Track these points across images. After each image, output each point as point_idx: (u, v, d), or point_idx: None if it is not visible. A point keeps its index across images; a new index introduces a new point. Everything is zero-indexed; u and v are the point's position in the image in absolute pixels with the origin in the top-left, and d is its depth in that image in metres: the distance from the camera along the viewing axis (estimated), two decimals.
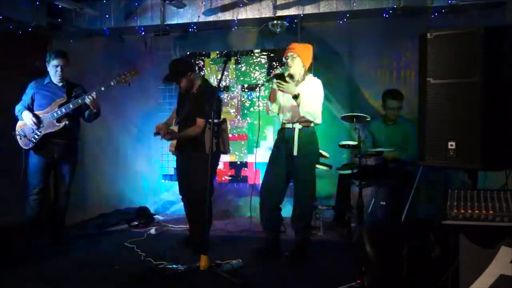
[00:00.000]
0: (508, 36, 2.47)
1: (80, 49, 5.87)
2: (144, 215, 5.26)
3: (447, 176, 4.62)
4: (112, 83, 4.12)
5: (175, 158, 4.28)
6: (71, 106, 4.10)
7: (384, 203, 4.33)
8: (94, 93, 4.08)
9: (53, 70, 4.18)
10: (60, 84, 4.23)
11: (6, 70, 4.91)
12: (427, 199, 4.33)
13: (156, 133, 4.01)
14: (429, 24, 4.80)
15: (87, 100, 4.07)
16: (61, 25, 5.46)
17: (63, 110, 4.10)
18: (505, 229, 2.09)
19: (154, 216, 5.43)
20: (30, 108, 4.19)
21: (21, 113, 4.16)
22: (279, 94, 3.83)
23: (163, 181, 5.89)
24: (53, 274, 3.50)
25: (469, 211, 2.16)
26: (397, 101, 4.65)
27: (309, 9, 4.95)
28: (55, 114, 4.10)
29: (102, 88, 4.11)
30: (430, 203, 4.30)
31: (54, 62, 4.15)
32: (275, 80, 3.69)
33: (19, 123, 4.20)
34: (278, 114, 3.93)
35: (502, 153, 2.45)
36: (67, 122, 4.13)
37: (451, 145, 2.50)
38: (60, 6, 4.98)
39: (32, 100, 4.20)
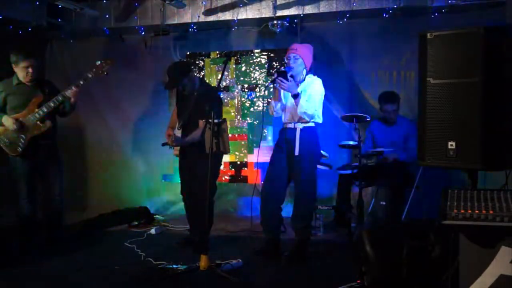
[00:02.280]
0: (508, 36, 2.47)
1: (80, 49, 5.88)
2: (144, 215, 5.26)
3: (447, 176, 4.62)
4: (89, 75, 4.06)
5: (177, 158, 4.27)
6: (52, 105, 3.98)
7: (384, 203, 4.33)
8: (73, 86, 4.00)
9: (23, 72, 4.00)
10: (31, 83, 4.08)
11: (5, 70, 4.90)
12: (427, 199, 4.33)
13: (164, 144, 4.01)
14: (429, 24, 4.81)
15: (68, 92, 3.97)
16: (61, 25, 5.47)
17: (45, 109, 3.98)
18: (505, 229, 2.08)
19: (154, 216, 5.42)
20: (4, 112, 4.05)
21: (0, 119, 4.00)
22: (282, 94, 3.84)
23: (163, 181, 5.89)
24: (53, 275, 3.49)
25: (469, 211, 2.16)
26: (392, 104, 4.65)
27: (309, 9, 4.95)
28: (37, 115, 3.98)
29: (81, 82, 4.04)
30: (430, 203, 4.30)
31: (24, 63, 3.97)
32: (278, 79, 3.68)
33: None
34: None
35: (502, 153, 2.45)
36: (51, 122, 4.05)
37: (451, 145, 2.50)
38: (60, 6, 4.98)
39: (4, 103, 4.06)
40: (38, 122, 4.01)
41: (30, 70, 4.01)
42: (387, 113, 4.67)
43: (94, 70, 4.07)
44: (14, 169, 4.11)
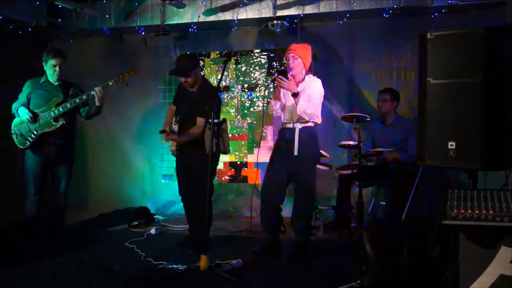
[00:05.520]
0: (508, 36, 2.47)
1: (80, 49, 5.89)
2: (144, 215, 5.26)
3: (447, 176, 4.63)
4: (110, 83, 4.11)
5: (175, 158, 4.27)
6: (68, 106, 4.06)
7: (384, 203, 4.33)
8: (100, 88, 4.06)
9: (51, 70, 4.12)
10: (57, 83, 4.18)
11: (6, 70, 4.91)
12: (427, 199, 4.33)
13: (162, 131, 4.00)
14: (429, 24, 4.81)
15: (96, 96, 4.04)
16: (61, 25, 5.47)
17: (61, 109, 4.06)
18: (505, 229, 2.09)
19: (154, 216, 5.43)
20: (26, 107, 4.14)
21: (17, 110, 4.12)
22: (282, 94, 3.84)
23: (163, 181, 5.90)
24: (52, 274, 3.50)
25: (469, 211, 2.16)
26: (385, 93, 4.69)
27: (309, 9, 4.95)
28: (52, 113, 4.06)
29: (100, 88, 4.09)
30: (430, 203, 4.30)
31: (53, 61, 4.10)
32: (278, 77, 3.67)
33: (14, 122, 4.14)
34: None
35: (502, 153, 2.45)
36: (64, 122, 4.10)
37: (451, 145, 2.50)
38: (60, 6, 4.98)
39: (28, 99, 4.16)
40: (51, 120, 4.08)
41: (57, 69, 4.12)
42: (380, 102, 4.71)
43: (115, 78, 4.13)
44: (25, 163, 4.18)
